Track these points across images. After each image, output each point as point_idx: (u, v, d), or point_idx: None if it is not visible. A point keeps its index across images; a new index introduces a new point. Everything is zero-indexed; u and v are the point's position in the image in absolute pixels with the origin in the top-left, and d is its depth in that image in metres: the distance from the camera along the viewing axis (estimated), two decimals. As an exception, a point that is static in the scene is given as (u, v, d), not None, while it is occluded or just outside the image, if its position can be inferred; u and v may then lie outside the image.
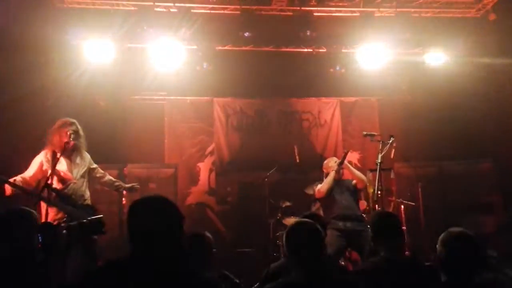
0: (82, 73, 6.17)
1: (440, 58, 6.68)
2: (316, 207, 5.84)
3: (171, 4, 6.20)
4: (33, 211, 2.82)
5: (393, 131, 5.53)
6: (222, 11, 6.48)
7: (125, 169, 6.21)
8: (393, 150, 5.25)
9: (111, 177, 4.67)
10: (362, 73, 6.93)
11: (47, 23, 5.98)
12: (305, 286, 2.21)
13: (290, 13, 6.52)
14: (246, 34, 6.21)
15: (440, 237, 2.40)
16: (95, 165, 4.54)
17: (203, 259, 2.84)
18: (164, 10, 6.30)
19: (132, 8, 6.25)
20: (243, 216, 6.75)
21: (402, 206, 5.73)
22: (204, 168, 7.21)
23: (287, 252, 2.41)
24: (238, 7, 6.33)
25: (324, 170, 5.24)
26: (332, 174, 5.01)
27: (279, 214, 5.86)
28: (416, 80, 7.26)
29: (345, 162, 5.20)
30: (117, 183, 4.65)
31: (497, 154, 6.67)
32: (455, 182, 6.70)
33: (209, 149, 7.27)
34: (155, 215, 1.85)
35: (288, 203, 5.96)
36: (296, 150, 6.21)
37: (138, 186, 4.69)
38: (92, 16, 6.21)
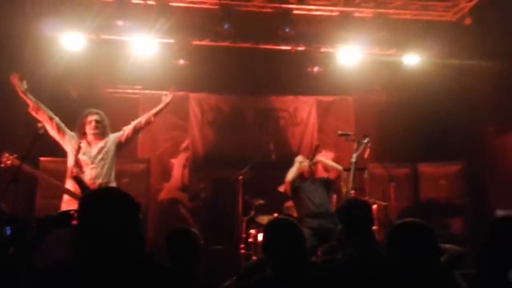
0: (55, 64, 6.01)
1: (416, 60, 6.77)
2: (287, 205, 5.86)
3: (149, -3, 6.10)
4: (1, 203, 2.76)
5: (368, 131, 5.59)
6: (200, 5, 6.40)
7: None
8: (368, 150, 5.30)
9: (137, 121, 4.67)
10: (339, 72, 6.96)
11: (21, 13, 5.84)
12: (280, 282, 2.19)
13: (270, 10, 6.48)
14: (226, 26, 6.13)
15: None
16: (121, 132, 4.58)
17: (193, 254, 2.86)
18: (141, 2, 6.18)
19: (109, 0, 6.13)
20: (216, 213, 6.71)
21: (375, 206, 5.77)
22: (177, 163, 7.11)
23: (264, 248, 2.39)
24: (217, 1, 6.26)
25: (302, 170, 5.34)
26: (296, 165, 5.08)
27: (252, 212, 5.84)
28: (392, 80, 7.33)
29: (316, 157, 5.27)
30: (151, 113, 4.74)
31: (469, 156, 6.78)
32: (427, 183, 6.79)
33: (183, 144, 7.19)
34: (105, 208, 1.74)
35: (261, 201, 5.94)
36: (271, 148, 6.18)
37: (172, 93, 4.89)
38: (67, 6, 6.06)
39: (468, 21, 6.47)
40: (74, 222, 3.07)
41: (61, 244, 3.66)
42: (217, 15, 6.37)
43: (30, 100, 4.38)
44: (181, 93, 7.09)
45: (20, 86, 4.35)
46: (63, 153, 5.21)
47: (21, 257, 2.61)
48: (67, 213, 3.41)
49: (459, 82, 6.86)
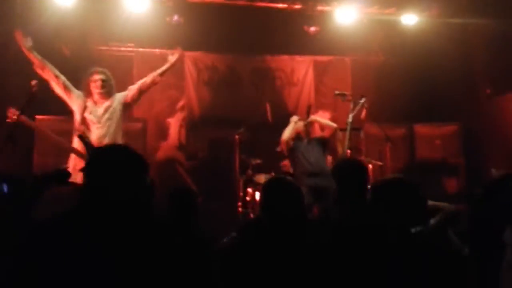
0: (46, 21, 5.85)
1: (414, 19, 6.65)
2: (283, 164, 5.92)
3: (142, -50, 5.89)
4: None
5: (365, 92, 5.58)
6: (195, -39, 6.21)
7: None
8: (364, 110, 5.32)
9: (143, 81, 4.67)
10: (336, 32, 6.84)
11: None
12: (278, 239, 2.20)
13: (266, -34, 6.31)
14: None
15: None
16: (126, 92, 4.56)
17: (193, 212, 2.95)
18: (134, -44, 5.98)
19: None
20: (213, 173, 6.73)
21: (370, 166, 5.83)
22: (174, 123, 7.07)
23: (262, 207, 2.40)
24: (212, -43, 6.08)
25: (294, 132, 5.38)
26: (291, 124, 5.20)
27: (249, 171, 5.89)
28: (390, 41, 7.23)
29: (311, 116, 5.31)
30: (156, 72, 4.71)
31: (464, 117, 6.82)
32: (423, 143, 6.85)
33: (180, 104, 7.12)
34: (114, 166, 1.73)
35: (258, 161, 5.99)
36: (268, 108, 6.15)
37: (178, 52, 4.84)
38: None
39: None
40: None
41: (60, 202, 3.68)
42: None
43: (35, 58, 4.33)
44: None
45: (25, 43, 4.30)
46: (59, 111, 5.20)
47: (19, 215, 2.62)
48: (63, 170, 3.40)
49: (456, 42, 6.80)
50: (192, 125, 7.09)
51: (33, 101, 4.14)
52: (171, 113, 7.09)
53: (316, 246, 2.23)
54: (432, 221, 2.75)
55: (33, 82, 4.16)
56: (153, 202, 1.91)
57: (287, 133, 5.25)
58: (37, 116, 5.51)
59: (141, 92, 4.66)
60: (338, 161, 3.35)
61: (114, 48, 6.93)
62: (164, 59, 4.97)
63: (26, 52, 4.33)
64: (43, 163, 5.42)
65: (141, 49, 7.01)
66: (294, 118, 5.41)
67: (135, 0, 6.02)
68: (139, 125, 6.31)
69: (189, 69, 7.17)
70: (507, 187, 2.30)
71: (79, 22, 6.26)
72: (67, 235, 1.63)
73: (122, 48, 6.98)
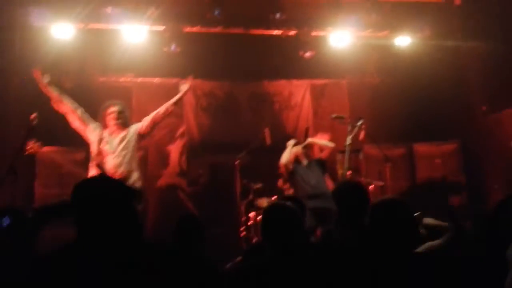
0: (46, 54, 5.95)
1: (407, 41, 6.77)
2: (278, 185, 5.96)
3: (138, -16, 6.04)
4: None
5: (362, 113, 5.65)
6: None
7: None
8: (362, 131, 5.37)
9: (156, 112, 4.77)
10: (332, 56, 6.96)
11: (9, 3, 5.77)
12: (280, 264, 2.20)
13: (260, -5, 6.46)
14: (216, 12, 6.11)
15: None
16: (140, 124, 4.67)
17: (200, 238, 2.98)
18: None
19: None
20: (215, 198, 6.73)
21: (371, 186, 5.84)
22: (174, 150, 7.11)
23: (262, 232, 2.42)
24: (207, -13, 6.22)
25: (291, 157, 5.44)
26: (288, 148, 5.30)
27: (251, 195, 5.90)
28: (385, 62, 7.36)
29: (308, 139, 5.37)
30: (169, 102, 4.84)
31: (463, 136, 6.87)
32: (422, 162, 6.87)
33: (180, 131, 7.18)
34: (99, 197, 1.75)
35: (259, 185, 6.00)
36: (267, 133, 6.20)
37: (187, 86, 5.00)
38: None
39: (457, 1, 6.51)
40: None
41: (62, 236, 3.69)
42: (207, 1, 6.34)
43: (53, 93, 4.46)
44: (174, 79, 7.04)
45: (42, 80, 4.43)
46: (60, 142, 5.23)
47: (19, 248, 2.61)
48: (64, 202, 3.41)
49: (450, 63, 6.90)
50: (192, 152, 7.13)
51: (32, 134, 4.20)
52: (171, 140, 7.15)
53: (319, 270, 2.23)
54: (437, 241, 2.76)
55: (33, 116, 4.23)
56: (143, 227, 1.92)
57: (285, 158, 5.31)
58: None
59: (155, 123, 4.79)
60: (338, 184, 3.37)
61: (113, 79, 7.03)
62: (162, 88, 5.08)
63: (44, 89, 4.46)
64: (45, 195, 5.43)
65: (139, 79, 7.10)
66: (291, 142, 5.47)
67: (132, 31, 6.14)
68: (140, 153, 6.31)
69: (188, 96, 7.23)
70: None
71: (78, 53, 6.39)
72: (68, 268, 1.64)
73: (121, 79, 7.07)
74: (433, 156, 6.85)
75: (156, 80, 7.13)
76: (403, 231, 2.24)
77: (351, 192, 2.88)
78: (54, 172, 5.70)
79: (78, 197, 1.77)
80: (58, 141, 5.75)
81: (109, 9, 6.00)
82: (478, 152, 6.72)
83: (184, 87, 5.02)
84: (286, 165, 5.29)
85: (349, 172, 5.16)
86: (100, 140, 4.45)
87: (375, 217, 2.32)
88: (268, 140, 6.16)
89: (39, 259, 1.75)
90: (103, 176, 2.34)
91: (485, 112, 6.64)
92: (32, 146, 4.15)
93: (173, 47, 6.52)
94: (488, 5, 6.20)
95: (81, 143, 5.98)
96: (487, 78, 6.53)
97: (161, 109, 4.81)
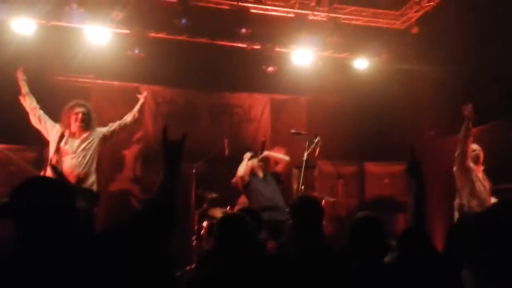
0: (4, 49, 5.78)
1: (365, 64, 7.09)
2: (241, 201, 5.98)
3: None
4: None
5: (319, 130, 5.80)
6: (158, -3, 6.37)
7: (44, 151, 5.90)
8: (318, 148, 5.52)
9: (123, 119, 4.82)
10: (293, 72, 7.15)
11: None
12: (230, 276, 2.25)
13: (227, 7, 6.55)
14: (183, 21, 6.14)
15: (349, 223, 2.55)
16: (107, 128, 4.66)
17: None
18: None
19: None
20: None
21: (323, 201, 6.00)
22: (129, 155, 7.03)
23: (215, 243, 2.46)
24: (175, -6, 6.25)
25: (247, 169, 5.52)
26: (244, 161, 5.39)
27: (205, 205, 5.90)
28: (343, 82, 7.59)
29: (265, 152, 5.47)
30: (133, 110, 4.88)
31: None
32: (373, 181, 7.12)
33: (136, 136, 7.10)
34: (36, 197, 1.73)
35: (214, 195, 6.01)
36: (226, 143, 6.25)
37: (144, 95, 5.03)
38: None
39: (415, 29, 6.87)
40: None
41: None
42: (174, 8, 6.36)
43: (24, 89, 4.51)
44: (134, 84, 6.98)
45: (22, 76, 4.54)
46: (11, 140, 5.09)
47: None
48: (5, 203, 3.31)
49: (404, 86, 7.24)
50: (148, 158, 7.06)
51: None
52: (127, 145, 7.05)
53: (273, 282, 2.29)
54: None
55: None
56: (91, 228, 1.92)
57: (241, 170, 5.38)
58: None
59: (122, 129, 4.85)
60: (295, 199, 3.47)
61: (73, 79, 6.88)
62: (121, 92, 5.08)
63: (21, 83, 4.52)
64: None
65: (99, 81, 6.99)
66: (247, 154, 5.54)
67: (96, 32, 6.07)
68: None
69: (148, 102, 7.18)
70: (466, 229, 2.52)
71: (38, 50, 6.20)
72: (10, 274, 1.62)
73: (80, 79, 6.94)
74: (383, 175, 7.11)
75: (116, 83, 7.04)
76: (381, 244, 2.41)
77: (308, 206, 2.99)
78: (3, 171, 5.50)
79: (16, 199, 1.75)
80: (9, 138, 5.57)
81: (73, 8, 5.90)
82: (424, 174, 7.00)
83: (141, 96, 5.10)
84: (242, 177, 5.36)
85: (302, 187, 5.28)
86: (60, 139, 4.38)
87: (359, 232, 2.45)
88: (227, 151, 6.21)
89: None
90: (42, 178, 2.30)
91: (432, 136, 6.97)
92: None
93: (136, 51, 6.49)
94: (443, 33, 6.56)
95: (34, 142, 5.85)
96: (437, 103, 6.86)
97: (128, 117, 4.88)
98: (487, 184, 4.80)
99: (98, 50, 6.31)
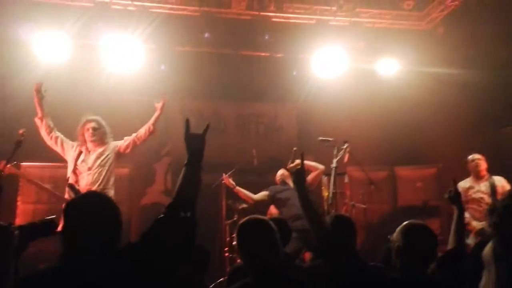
0: (32, 71, 5.84)
1: (392, 68, 6.93)
2: (271, 211, 5.95)
3: (129, 2, 6.10)
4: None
5: (347, 136, 5.71)
6: (181, 12, 6.44)
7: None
8: (347, 155, 5.43)
9: (138, 132, 4.73)
10: (318, 79, 7.06)
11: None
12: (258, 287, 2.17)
13: (249, 17, 6.58)
14: (206, 35, 6.21)
15: (399, 229, 2.43)
16: (121, 142, 4.63)
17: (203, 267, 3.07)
18: (121, 8, 6.18)
19: (88, 4, 6.09)
20: (200, 217, 6.66)
21: (355, 209, 5.92)
22: (160, 168, 7.11)
23: (239, 253, 2.39)
24: (198, 8, 6.32)
25: (277, 179, 5.55)
26: (263, 193, 5.57)
27: (236, 216, 5.89)
28: (370, 88, 7.46)
29: (296, 160, 5.40)
30: (149, 123, 4.77)
31: (443, 161, 7.01)
32: (405, 186, 6.98)
33: (165, 149, 7.18)
34: (87, 213, 1.79)
35: (244, 205, 5.99)
36: (254, 153, 6.23)
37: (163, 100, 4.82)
38: (44, 11, 5.96)
39: (440, 30, 6.73)
40: (58, 229, 3.06)
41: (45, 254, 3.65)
42: (198, 21, 6.43)
43: (41, 110, 4.47)
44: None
45: (40, 94, 4.45)
46: (43, 158, 5.18)
47: (5, 266, 2.58)
48: (50, 220, 3.37)
49: (432, 89, 7.08)
50: (178, 171, 7.07)
51: (18, 149, 4.17)
52: (157, 158, 7.13)
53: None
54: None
55: (21, 131, 4.20)
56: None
57: (256, 197, 5.54)
58: (22, 163, 5.48)
59: (135, 144, 4.76)
60: (328, 219, 3.35)
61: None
62: (151, 107, 5.05)
63: (37, 102, 4.46)
64: (27, 211, 5.36)
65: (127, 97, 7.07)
66: (280, 172, 5.54)
67: (126, 51, 6.05)
68: (125, 170, 6.30)
69: (175, 115, 7.26)
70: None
71: (66, 73, 6.18)
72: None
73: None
74: (415, 179, 6.97)
75: (145, 99, 7.09)
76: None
77: (340, 227, 2.92)
78: (35, 188, 5.62)
79: (71, 214, 1.80)
80: (38, 157, 5.67)
81: (99, 26, 6.02)
82: (457, 177, 6.83)
83: (158, 105, 4.91)
84: (256, 201, 5.56)
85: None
86: (77, 157, 4.41)
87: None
88: (255, 161, 6.19)
89: (23, 279, 1.75)
90: (95, 194, 2.36)
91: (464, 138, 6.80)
92: (8, 167, 4.07)
93: (163, 66, 6.56)
94: (470, 34, 6.41)
95: (62, 160, 5.96)
96: (465, 106, 6.70)
97: (142, 130, 4.78)
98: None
99: (126, 68, 6.33)
